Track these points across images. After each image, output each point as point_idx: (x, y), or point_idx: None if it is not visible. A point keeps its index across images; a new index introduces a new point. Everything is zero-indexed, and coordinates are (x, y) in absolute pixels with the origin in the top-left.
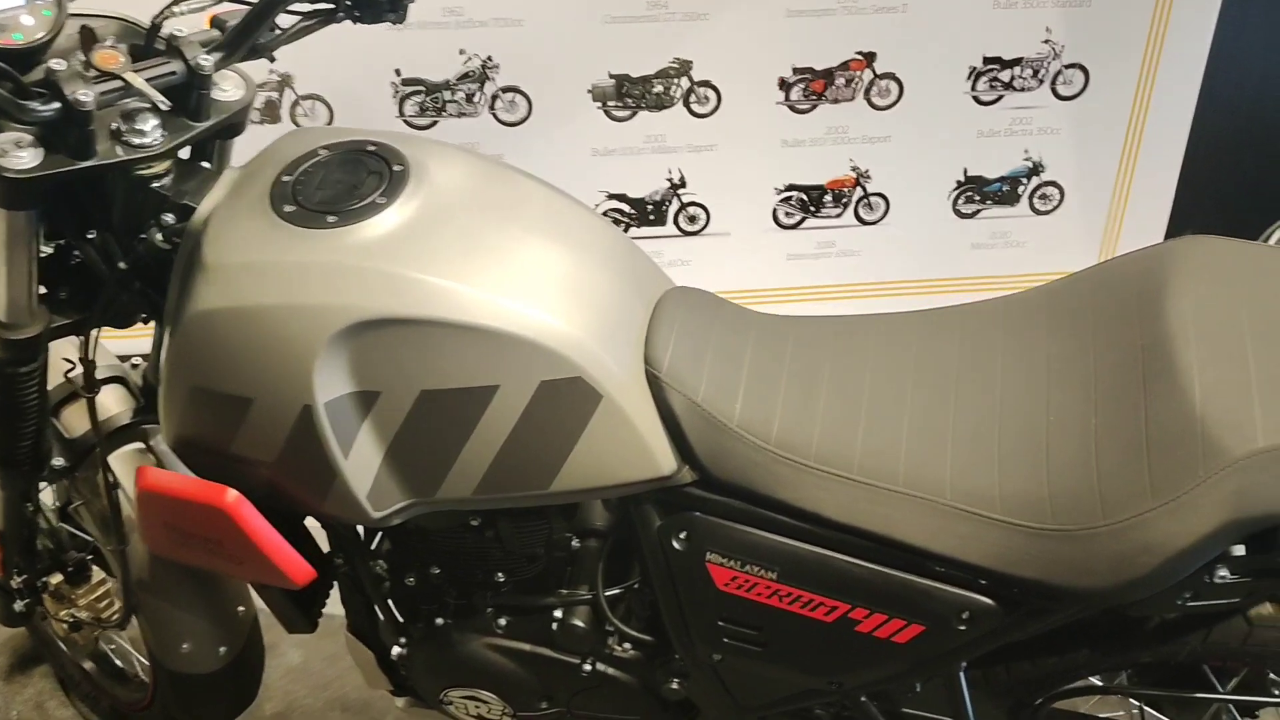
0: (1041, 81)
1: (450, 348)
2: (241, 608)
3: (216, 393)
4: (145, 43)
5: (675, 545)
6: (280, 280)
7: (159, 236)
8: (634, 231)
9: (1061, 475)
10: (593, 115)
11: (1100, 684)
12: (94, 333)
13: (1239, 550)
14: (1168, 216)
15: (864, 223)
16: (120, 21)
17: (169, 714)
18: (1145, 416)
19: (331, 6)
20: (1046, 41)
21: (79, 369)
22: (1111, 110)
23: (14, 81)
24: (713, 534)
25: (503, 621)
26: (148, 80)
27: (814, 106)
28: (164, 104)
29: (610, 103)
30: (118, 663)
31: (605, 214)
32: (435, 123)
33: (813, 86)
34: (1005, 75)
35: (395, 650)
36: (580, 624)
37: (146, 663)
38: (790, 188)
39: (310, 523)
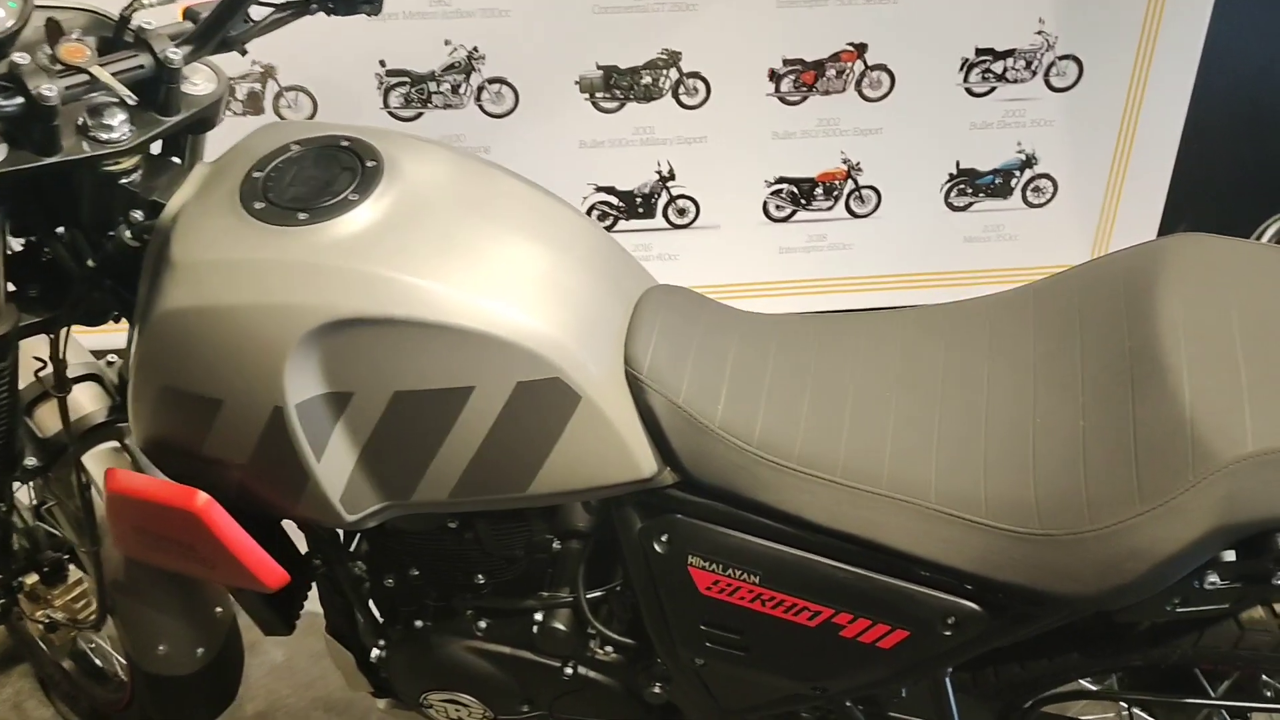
0: (1035, 73)
1: (424, 348)
2: (219, 608)
3: (186, 393)
4: (114, 35)
5: (657, 548)
6: (250, 279)
7: (128, 234)
8: (623, 224)
9: (1048, 479)
10: (580, 107)
11: (1090, 687)
12: (64, 331)
13: (1229, 556)
14: (1162, 209)
15: (855, 216)
16: (89, 14)
17: (147, 715)
18: (1133, 419)
19: None
20: (1040, 32)
21: (50, 368)
22: (1105, 102)
23: None
24: (694, 537)
25: (483, 624)
26: (114, 74)
27: (804, 98)
28: (130, 98)
29: (598, 94)
30: (97, 662)
31: (593, 207)
32: (421, 114)
33: (803, 78)
34: (998, 66)
35: (374, 652)
36: (561, 627)
37: (125, 662)
38: (781, 180)
39: (288, 523)
